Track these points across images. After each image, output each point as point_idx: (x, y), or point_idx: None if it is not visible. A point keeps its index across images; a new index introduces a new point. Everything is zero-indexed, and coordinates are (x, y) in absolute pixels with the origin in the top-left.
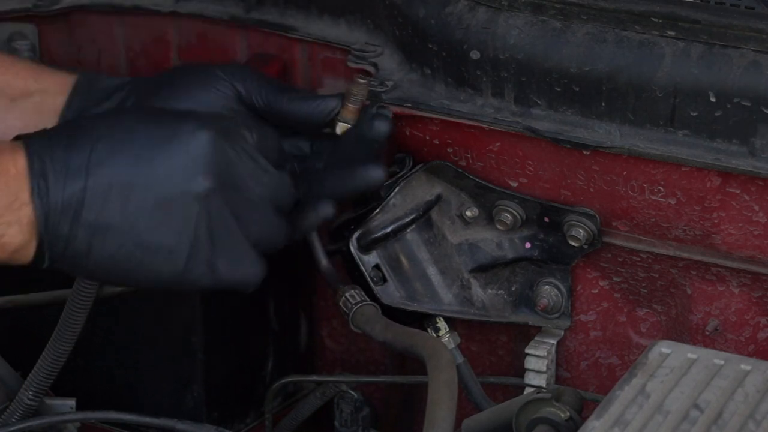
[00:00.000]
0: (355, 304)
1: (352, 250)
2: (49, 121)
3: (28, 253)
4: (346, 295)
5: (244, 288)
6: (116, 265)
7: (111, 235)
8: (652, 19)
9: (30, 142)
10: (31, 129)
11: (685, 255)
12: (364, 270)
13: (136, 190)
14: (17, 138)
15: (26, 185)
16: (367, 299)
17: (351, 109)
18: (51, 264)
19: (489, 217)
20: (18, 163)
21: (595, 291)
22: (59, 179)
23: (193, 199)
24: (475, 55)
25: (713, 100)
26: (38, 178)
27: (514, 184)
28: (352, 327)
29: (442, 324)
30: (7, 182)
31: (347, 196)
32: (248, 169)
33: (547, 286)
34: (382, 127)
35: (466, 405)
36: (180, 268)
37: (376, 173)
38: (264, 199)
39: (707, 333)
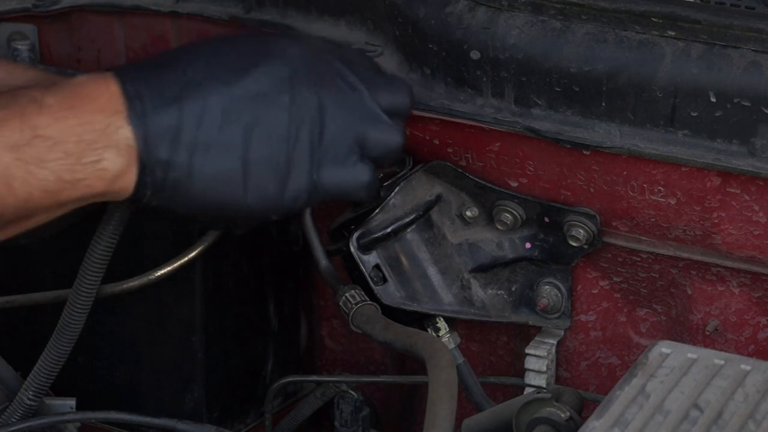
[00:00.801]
0: (356, 304)
1: (352, 250)
2: None
3: (129, 181)
4: (346, 295)
5: (351, 195)
6: (219, 187)
7: (212, 153)
8: (652, 19)
9: (120, 70)
10: None
11: (686, 255)
12: (364, 270)
13: (232, 106)
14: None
15: (122, 107)
16: (367, 299)
17: None
18: (153, 194)
19: (489, 217)
20: (111, 88)
21: (595, 291)
22: (155, 101)
23: (283, 107)
24: (475, 55)
25: (713, 100)
26: (134, 99)
27: (514, 184)
28: (352, 327)
29: (442, 324)
30: (102, 106)
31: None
32: (348, 76)
33: (547, 286)
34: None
35: (466, 405)
36: (281, 181)
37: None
38: (370, 102)
39: (707, 333)
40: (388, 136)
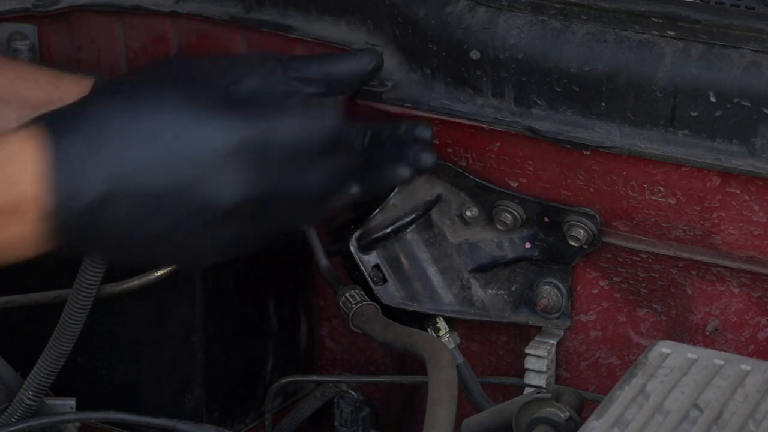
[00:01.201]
0: (355, 304)
1: (352, 250)
2: None
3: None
4: (346, 295)
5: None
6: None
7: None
8: (652, 19)
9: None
10: None
11: (685, 255)
12: (364, 270)
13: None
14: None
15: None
16: (367, 299)
17: None
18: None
19: (489, 217)
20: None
21: (595, 291)
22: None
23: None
24: (475, 55)
25: (713, 100)
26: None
27: (514, 184)
28: (352, 327)
29: (442, 324)
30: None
31: (373, 190)
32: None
33: (547, 286)
34: (427, 160)
35: (466, 405)
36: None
37: (403, 172)
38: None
39: (707, 333)
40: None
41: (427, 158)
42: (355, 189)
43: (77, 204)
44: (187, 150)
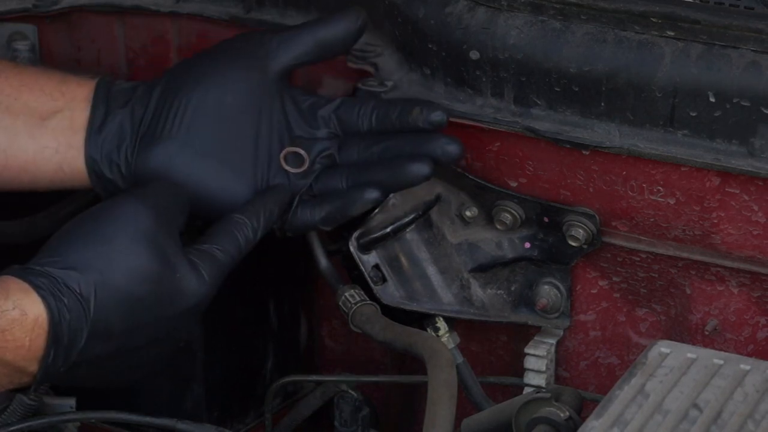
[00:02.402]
0: (355, 303)
1: (352, 249)
2: (79, 137)
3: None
4: (346, 294)
5: None
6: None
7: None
8: (652, 19)
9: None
10: (63, 147)
11: (685, 255)
12: (363, 270)
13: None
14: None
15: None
16: (367, 299)
17: None
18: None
19: (488, 217)
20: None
21: (595, 291)
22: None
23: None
24: (474, 55)
25: (713, 100)
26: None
27: (514, 184)
28: (351, 327)
29: (441, 324)
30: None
31: (392, 189)
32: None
33: (546, 286)
34: (453, 150)
35: (466, 405)
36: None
37: (423, 169)
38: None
39: (706, 333)
40: None
41: (454, 149)
42: (374, 194)
43: (60, 368)
44: (167, 311)
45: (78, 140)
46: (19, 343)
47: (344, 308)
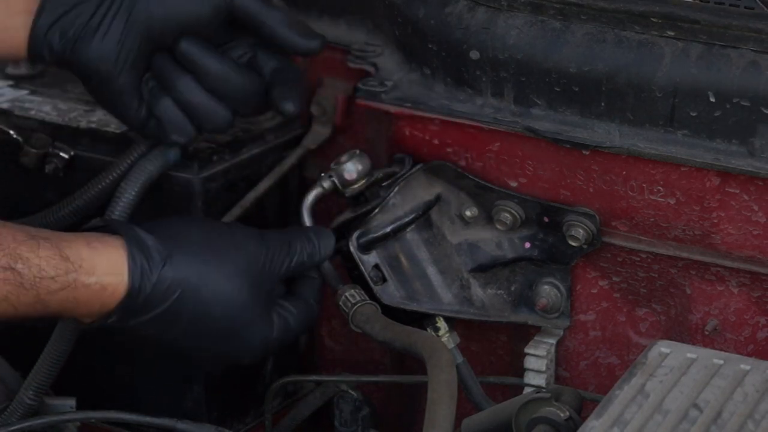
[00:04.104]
0: (355, 303)
1: (352, 249)
2: (23, 20)
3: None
4: (346, 294)
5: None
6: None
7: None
8: (652, 19)
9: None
10: None
11: (685, 255)
12: (363, 270)
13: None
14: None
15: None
16: (367, 299)
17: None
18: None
19: (488, 217)
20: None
21: (595, 291)
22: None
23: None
24: (474, 55)
25: (712, 100)
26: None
27: (514, 184)
28: (351, 326)
29: (441, 324)
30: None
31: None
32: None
33: (546, 286)
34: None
35: (466, 405)
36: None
37: (289, 107)
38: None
39: (706, 333)
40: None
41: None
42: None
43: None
44: (231, 346)
45: (15, 22)
46: (91, 310)
47: (344, 308)
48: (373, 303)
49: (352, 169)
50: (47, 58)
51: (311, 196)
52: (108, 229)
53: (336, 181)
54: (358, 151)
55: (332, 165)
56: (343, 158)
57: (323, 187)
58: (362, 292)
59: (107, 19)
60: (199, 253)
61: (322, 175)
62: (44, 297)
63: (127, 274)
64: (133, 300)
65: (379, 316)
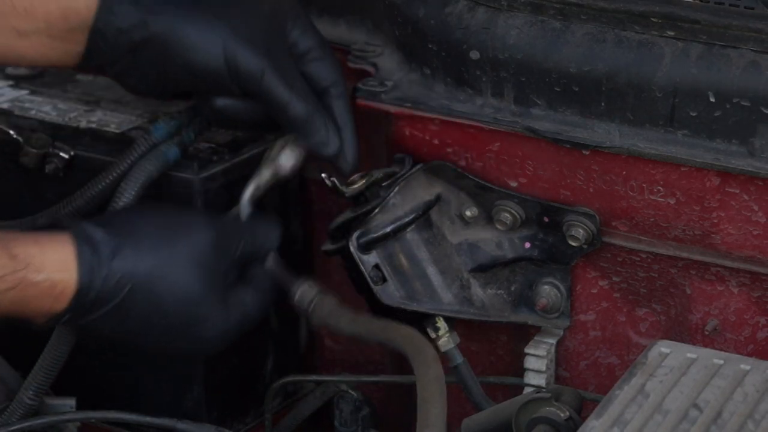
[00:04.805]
0: (312, 298)
1: (352, 249)
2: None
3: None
4: (301, 290)
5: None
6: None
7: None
8: (652, 19)
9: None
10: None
11: (685, 255)
12: (363, 270)
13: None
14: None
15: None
16: (322, 290)
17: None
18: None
19: (488, 217)
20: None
21: (595, 291)
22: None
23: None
24: (474, 55)
25: (712, 100)
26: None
27: (514, 184)
28: (312, 323)
29: (441, 324)
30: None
31: None
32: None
33: (546, 286)
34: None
35: (465, 405)
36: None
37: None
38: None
39: (706, 333)
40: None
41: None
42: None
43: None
44: (185, 332)
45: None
46: (42, 308)
47: (302, 305)
48: (333, 294)
49: (286, 163)
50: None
51: (250, 189)
52: (57, 226)
53: (336, 181)
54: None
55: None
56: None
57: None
58: (316, 284)
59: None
60: (150, 244)
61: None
62: None
63: (76, 270)
64: (84, 296)
65: (344, 308)
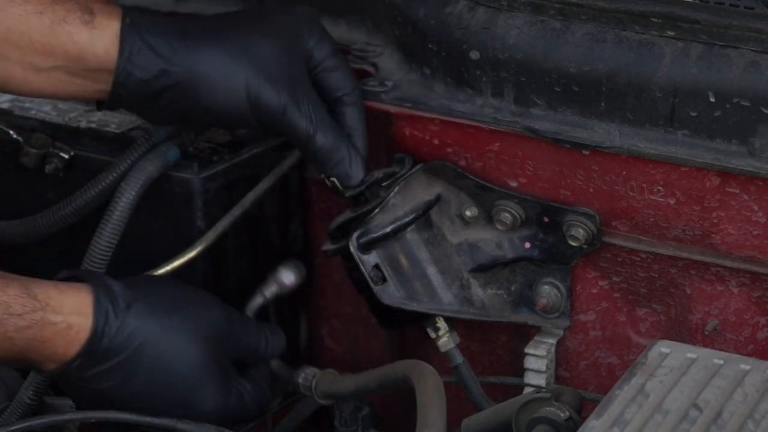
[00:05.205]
0: (314, 375)
1: (352, 249)
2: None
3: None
4: (303, 373)
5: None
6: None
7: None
8: (652, 19)
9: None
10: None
11: (685, 255)
12: (363, 270)
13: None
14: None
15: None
16: (319, 370)
17: None
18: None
19: (488, 217)
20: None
21: (595, 291)
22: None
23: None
24: (474, 55)
25: (712, 100)
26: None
27: (514, 184)
28: (317, 399)
29: (441, 324)
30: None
31: None
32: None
33: (546, 286)
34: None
35: (465, 405)
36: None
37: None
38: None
39: (706, 333)
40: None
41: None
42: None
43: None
44: (186, 409)
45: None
46: (55, 351)
47: (306, 384)
48: (330, 370)
49: (288, 280)
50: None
51: (256, 301)
52: (76, 277)
53: (336, 182)
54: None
55: None
56: None
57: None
58: (313, 368)
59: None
60: (165, 308)
61: None
62: (11, 335)
63: (92, 315)
64: (97, 342)
65: (343, 375)
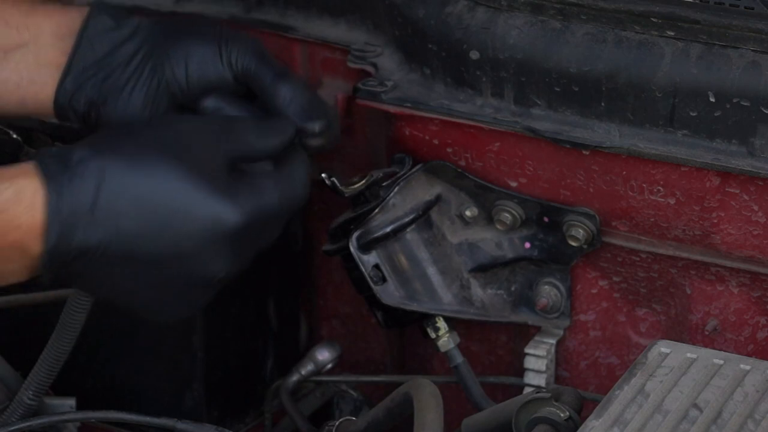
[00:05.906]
0: (333, 425)
1: (352, 249)
2: (50, 73)
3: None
4: (327, 426)
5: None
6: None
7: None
8: (652, 19)
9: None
10: (26, 82)
11: (685, 255)
12: (363, 270)
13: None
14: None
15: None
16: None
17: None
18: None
19: (488, 217)
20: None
21: (595, 291)
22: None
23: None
24: (474, 55)
25: (712, 100)
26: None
27: (514, 184)
28: None
29: (441, 324)
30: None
31: None
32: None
33: (546, 286)
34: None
35: (466, 405)
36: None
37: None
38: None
39: (706, 333)
40: None
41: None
42: None
43: (66, 253)
44: (186, 226)
45: (44, 77)
46: (18, 221)
47: None
48: (349, 417)
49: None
50: (73, 120)
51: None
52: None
53: (335, 181)
54: None
55: None
56: None
57: None
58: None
59: (130, 85)
60: (127, 135)
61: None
62: None
63: (37, 174)
64: (58, 198)
65: (357, 418)
